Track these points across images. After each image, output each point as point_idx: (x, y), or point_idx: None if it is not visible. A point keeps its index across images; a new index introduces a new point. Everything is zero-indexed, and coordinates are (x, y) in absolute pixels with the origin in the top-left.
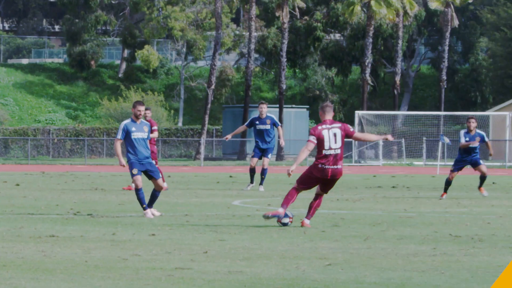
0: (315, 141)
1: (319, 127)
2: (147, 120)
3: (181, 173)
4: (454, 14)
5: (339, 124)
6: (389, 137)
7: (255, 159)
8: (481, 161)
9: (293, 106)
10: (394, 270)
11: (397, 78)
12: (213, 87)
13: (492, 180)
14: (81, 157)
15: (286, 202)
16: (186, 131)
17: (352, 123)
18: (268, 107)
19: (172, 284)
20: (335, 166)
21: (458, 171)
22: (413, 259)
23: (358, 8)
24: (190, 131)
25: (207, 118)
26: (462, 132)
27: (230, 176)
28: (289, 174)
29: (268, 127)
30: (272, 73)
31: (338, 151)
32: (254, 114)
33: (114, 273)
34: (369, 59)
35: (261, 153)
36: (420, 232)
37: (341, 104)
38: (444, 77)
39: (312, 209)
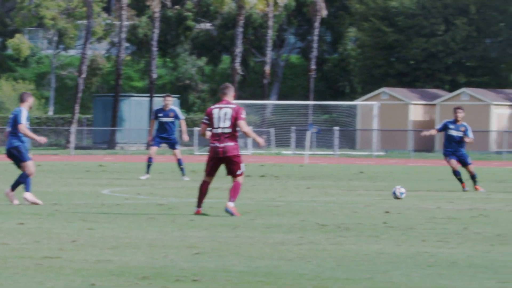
0: (206, 121)
1: (212, 106)
2: None
3: (51, 162)
4: (323, 4)
5: (233, 105)
6: (262, 143)
7: (155, 148)
8: (469, 160)
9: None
10: (262, 258)
11: (267, 68)
12: (83, 76)
13: (359, 170)
14: None
15: (200, 198)
16: (56, 120)
17: None
18: (138, 96)
19: (40, 273)
20: (224, 144)
21: (453, 158)
22: (281, 247)
23: None
24: (61, 120)
25: (77, 107)
26: (447, 121)
27: (100, 165)
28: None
29: (171, 119)
30: (143, 62)
31: (228, 130)
32: (124, 103)
33: None
34: (239, 49)
35: (162, 142)
36: (288, 221)
37: (211, 93)
38: (313, 67)
39: (230, 191)
